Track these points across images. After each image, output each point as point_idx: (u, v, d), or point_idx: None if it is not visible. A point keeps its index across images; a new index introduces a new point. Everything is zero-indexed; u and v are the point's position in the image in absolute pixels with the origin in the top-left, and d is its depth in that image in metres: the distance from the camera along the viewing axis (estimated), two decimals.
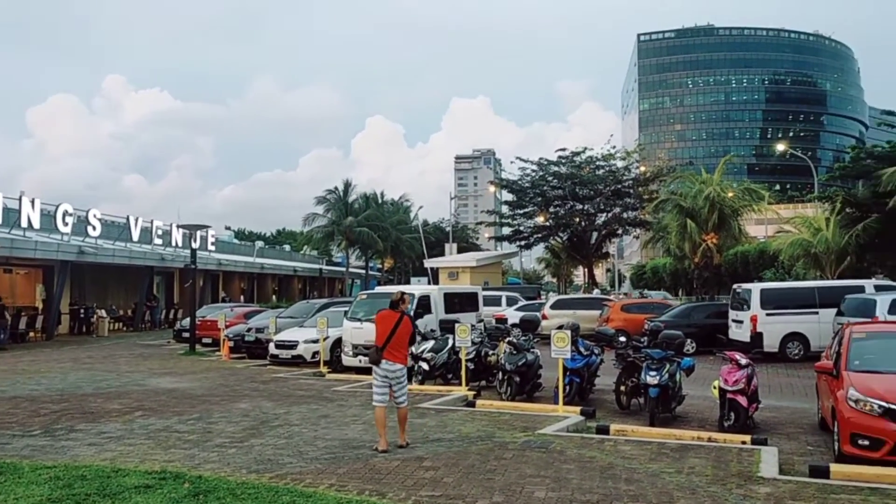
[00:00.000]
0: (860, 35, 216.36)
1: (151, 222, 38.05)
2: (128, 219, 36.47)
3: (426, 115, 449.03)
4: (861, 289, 20.31)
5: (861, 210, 28.31)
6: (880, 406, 8.17)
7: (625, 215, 44.77)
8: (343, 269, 66.46)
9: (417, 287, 24.09)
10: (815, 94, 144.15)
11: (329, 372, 18.00)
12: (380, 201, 67.52)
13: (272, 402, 13.14)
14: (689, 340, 20.85)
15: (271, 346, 20.47)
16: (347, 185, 62.15)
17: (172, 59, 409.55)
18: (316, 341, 19.06)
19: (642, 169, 47.75)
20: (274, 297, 56.48)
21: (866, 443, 8.13)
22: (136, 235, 36.23)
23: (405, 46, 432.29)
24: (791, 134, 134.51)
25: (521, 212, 46.94)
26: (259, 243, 68.00)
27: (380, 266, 68.94)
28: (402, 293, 9.59)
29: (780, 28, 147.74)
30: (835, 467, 7.76)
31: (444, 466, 7.91)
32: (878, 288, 20.76)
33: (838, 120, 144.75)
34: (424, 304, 18.51)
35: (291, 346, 19.94)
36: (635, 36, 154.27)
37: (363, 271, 66.57)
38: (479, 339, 15.85)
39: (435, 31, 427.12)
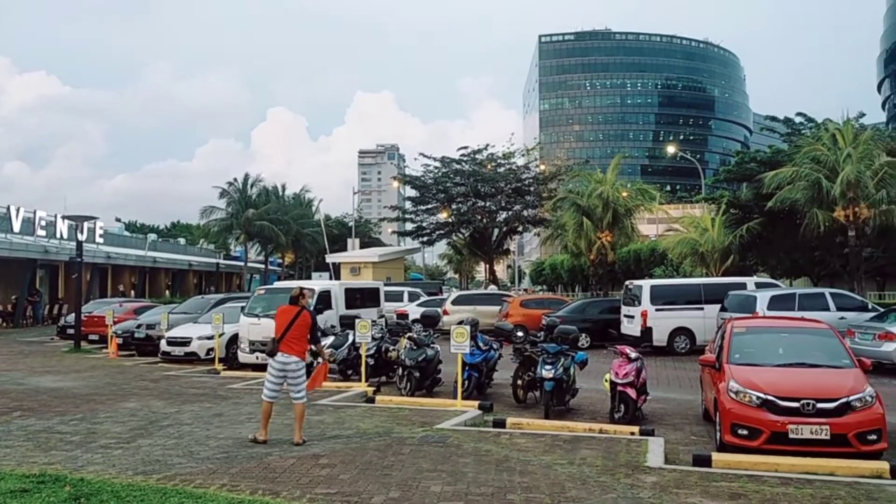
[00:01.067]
0: (746, 45, 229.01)
1: (34, 212, 35.87)
2: (8, 208, 34.29)
3: (330, 108, 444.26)
4: (743, 286, 21.49)
5: (744, 211, 29.91)
6: (758, 397, 8.63)
7: (525, 213, 45.59)
8: (241, 263, 64.79)
9: (318, 282, 23.79)
10: (704, 99, 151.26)
11: (224, 369, 17.50)
12: (281, 194, 66.25)
13: (162, 400, 12.65)
14: (583, 335, 21.68)
15: (163, 342, 19.72)
16: (247, 177, 60.67)
17: (61, 41, 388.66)
18: (211, 338, 18.50)
19: (542, 168, 48.78)
20: (167, 292, 54.46)
21: (745, 432, 8.57)
22: (17, 227, 34.08)
23: (309, 38, 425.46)
24: (681, 137, 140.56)
25: (424, 208, 47.07)
26: (152, 236, 65.26)
27: (280, 261, 67.63)
28: (302, 289, 9.56)
29: (673, 35, 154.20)
30: (716, 456, 8.14)
31: (340, 463, 7.83)
32: (759, 285, 22.03)
33: (725, 124, 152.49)
34: (325, 300, 18.30)
35: (184, 342, 19.27)
36: (536, 37, 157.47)
37: (262, 266, 65.12)
38: (380, 335, 15.82)
39: (340, 24, 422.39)
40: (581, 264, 42.69)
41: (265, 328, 15.95)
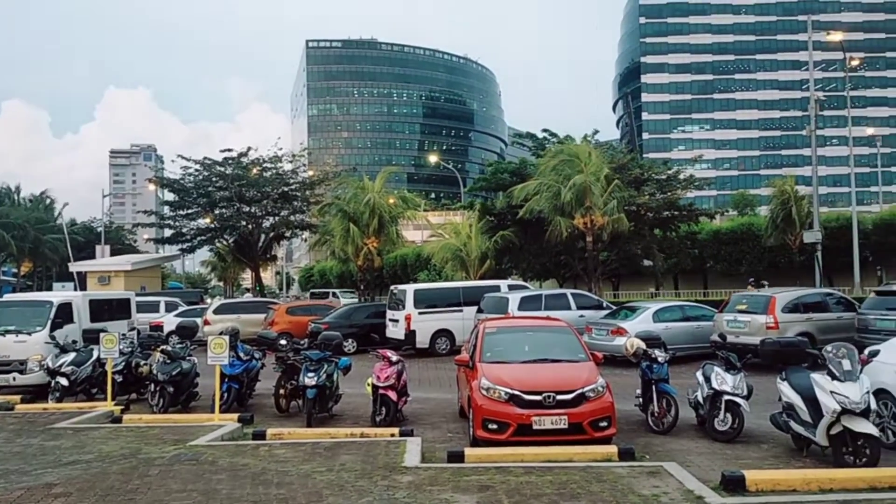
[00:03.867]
0: (501, 62, 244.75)
1: None
2: None
3: (77, 104, 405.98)
4: (497, 288, 22.84)
5: (498, 219, 31.84)
6: (506, 392, 9.21)
7: (292, 218, 44.87)
8: None
9: (58, 294, 21.56)
10: (464, 112, 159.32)
11: None
12: (14, 197, 59.38)
13: None
14: (349, 340, 21.79)
15: None
16: None
17: None
18: None
19: (310, 173, 48.35)
20: None
21: (495, 426, 9.11)
22: None
23: (49, 25, 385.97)
24: (444, 147, 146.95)
25: (184, 213, 44.56)
26: None
27: (15, 271, 60.51)
28: None
29: (436, 49, 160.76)
30: (469, 451, 8.55)
31: (77, 491, 7.15)
32: (512, 287, 23.55)
33: (483, 137, 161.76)
34: (65, 313, 16.59)
35: None
36: (304, 42, 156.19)
37: None
38: (130, 349, 14.70)
39: (84, 14, 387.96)
40: (349, 270, 42.92)
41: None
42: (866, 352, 9.84)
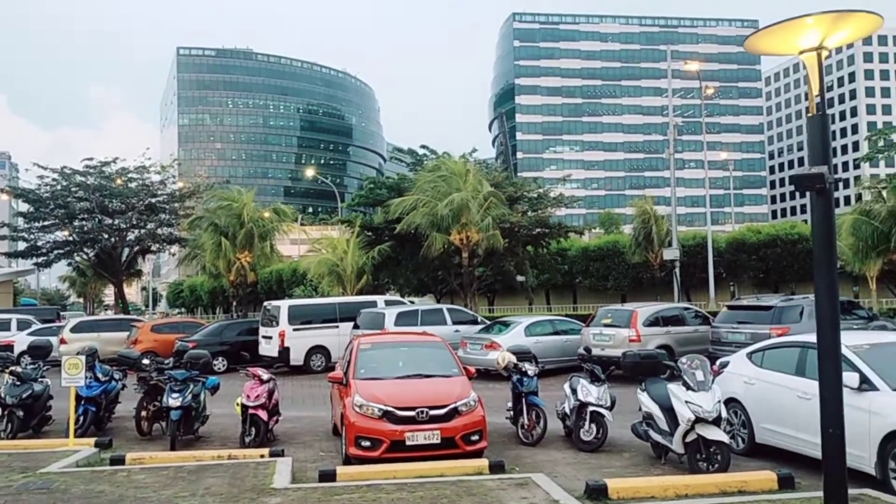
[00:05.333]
0: (381, 79, 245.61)
1: None
2: None
3: None
4: (374, 304, 22.76)
5: (376, 234, 31.83)
6: (380, 409, 9.17)
7: (159, 231, 42.98)
8: None
9: None
10: (342, 126, 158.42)
11: None
12: None
13: None
14: (219, 358, 21.08)
15: None
16: None
17: None
18: None
19: (180, 185, 46.53)
20: None
21: (368, 444, 9.05)
22: None
23: None
24: (322, 161, 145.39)
25: (39, 225, 41.77)
26: None
27: None
28: None
29: (314, 62, 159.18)
30: (341, 470, 8.44)
31: None
32: (388, 303, 23.53)
33: (362, 151, 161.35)
34: None
35: None
36: (175, 49, 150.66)
37: None
38: None
39: None
40: (221, 285, 41.53)
41: None
42: (718, 363, 10.52)
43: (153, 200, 41.82)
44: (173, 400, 10.74)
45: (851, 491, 6.46)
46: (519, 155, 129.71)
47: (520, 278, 33.68)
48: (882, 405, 7.66)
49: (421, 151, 37.84)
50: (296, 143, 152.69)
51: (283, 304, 22.46)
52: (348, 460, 9.23)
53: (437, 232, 26.54)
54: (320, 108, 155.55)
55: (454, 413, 9.28)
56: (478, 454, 9.23)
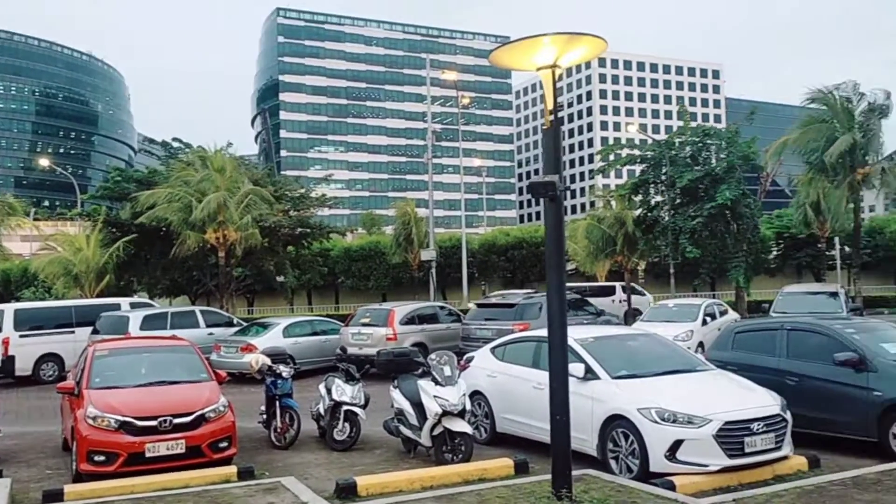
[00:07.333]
0: (135, 65, 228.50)
1: None
2: None
3: None
4: (117, 306, 21.11)
5: (121, 230, 29.41)
6: (117, 420, 8.49)
7: None
8: None
9: None
10: (87, 113, 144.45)
11: None
12: None
13: None
14: None
15: None
16: None
17: None
18: None
19: None
20: None
21: (103, 458, 8.35)
22: None
23: None
24: (62, 150, 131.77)
25: None
26: None
27: None
28: None
29: (54, 42, 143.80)
30: (69, 488, 7.70)
31: None
32: (135, 305, 21.94)
33: (109, 142, 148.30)
34: None
35: None
36: None
37: None
38: None
39: None
40: None
41: None
42: (465, 358, 11.07)
43: None
44: None
45: (575, 472, 7.11)
46: (283, 153, 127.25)
47: (280, 279, 33.08)
48: (603, 392, 8.50)
49: (175, 144, 35.76)
50: (30, 128, 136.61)
51: (8, 308, 20.12)
52: (80, 477, 8.44)
53: (191, 230, 25.19)
54: (60, 93, 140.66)
55: (201, 420, 8.86)
56: (227, 461, 8.89)
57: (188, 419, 8.75)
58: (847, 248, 36.52)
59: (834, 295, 20.52)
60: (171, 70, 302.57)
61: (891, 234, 45.10)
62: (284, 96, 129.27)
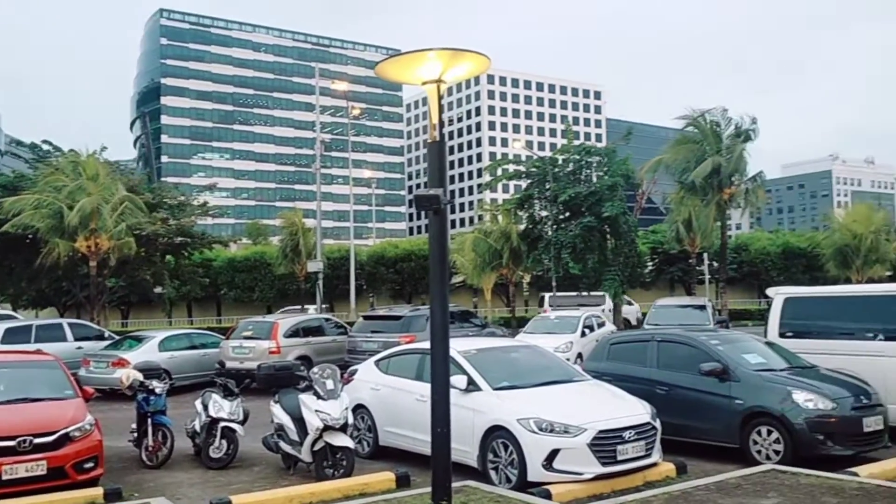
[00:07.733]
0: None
1: None
2: None
3: None
4: None
5: None
6: None
7: None
8: None
9: None
10: None
11: None
12: None
13: None
14: None
15: None
16: None
17: None
18: None
19: None
20: None
21: None
22: None
23: None
24: None
25: None
26: None
27: None
28: None
29: None
30: None
31: None
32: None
33: None
34: None
35: None
36: None
37: None
38: None
39: None
40: None
41: None
42: (348, 371, 10.96)
43: None
44: None
45: (455, 483, 7.16)
46: (164, 159, 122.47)
47: (158, 290, 31.75)
48: (484, 404, 8.62)
49: (45, 147, 33.70)
50: None
51: None
52: None
53: (60, 237, 23.78)
54: None
55: (65, 440, 8.36)
56: (93, 483, 8.42)
57: (51, 438, 8.25)
58: (715, 264, 38.87)
59: (702, 308, 21.76)
60: (43, 67, 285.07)
61: (755, 251, 48.31)
62: (166, 100, 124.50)
